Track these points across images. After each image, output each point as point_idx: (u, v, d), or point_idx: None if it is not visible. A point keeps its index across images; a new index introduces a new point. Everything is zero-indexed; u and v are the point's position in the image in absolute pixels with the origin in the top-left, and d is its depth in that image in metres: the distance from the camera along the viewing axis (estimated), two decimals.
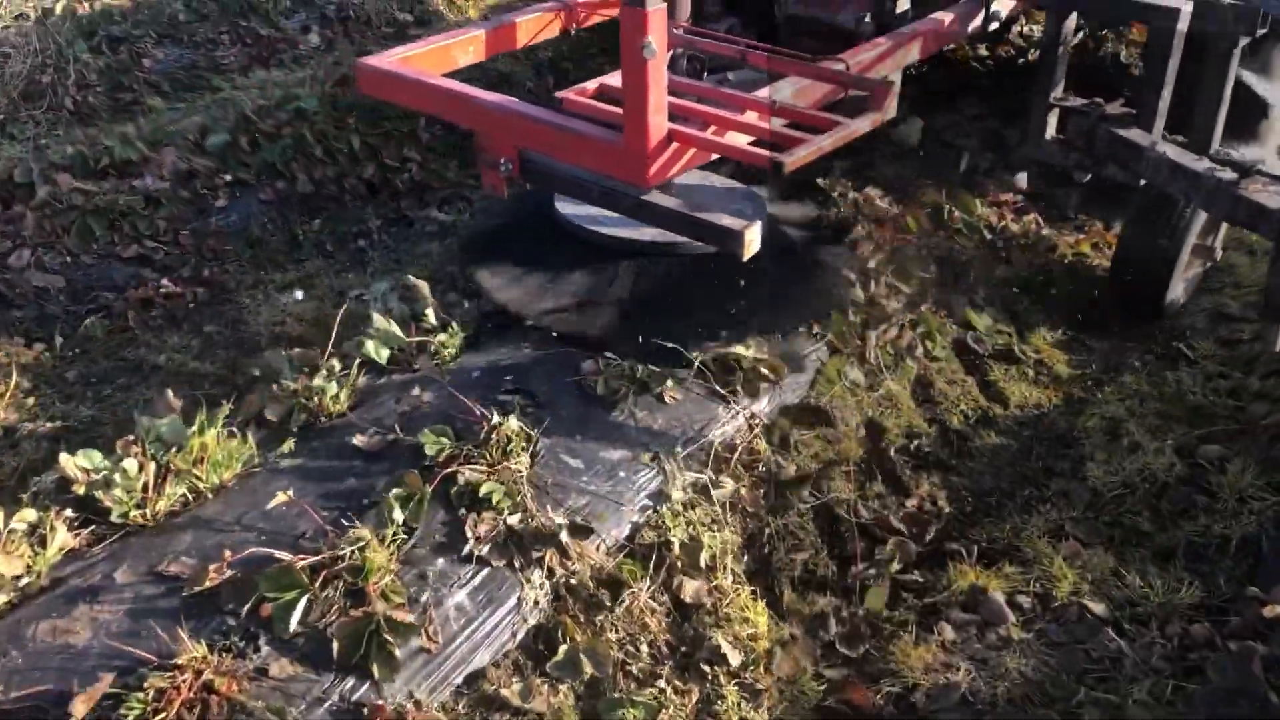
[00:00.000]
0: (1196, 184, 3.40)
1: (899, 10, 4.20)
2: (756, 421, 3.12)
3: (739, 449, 3.03)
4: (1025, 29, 5.22)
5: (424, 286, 3.48)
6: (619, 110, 3.04)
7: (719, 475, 2.94)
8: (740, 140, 3.04)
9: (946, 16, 3.91)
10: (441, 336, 3.29)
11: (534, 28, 3.93)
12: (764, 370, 3.19)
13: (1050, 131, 4.06)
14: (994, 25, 4.16)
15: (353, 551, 2.40)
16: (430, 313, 3.38)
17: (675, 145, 2.95)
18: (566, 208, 3.70)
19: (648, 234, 3.48)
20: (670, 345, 3.14)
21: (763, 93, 3.14)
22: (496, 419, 2.75)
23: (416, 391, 3.00)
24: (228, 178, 4.61)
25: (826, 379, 3.38)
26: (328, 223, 4.61)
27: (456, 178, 4.94)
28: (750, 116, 3.11)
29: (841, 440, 3.25)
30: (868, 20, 4.20)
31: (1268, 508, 3.01)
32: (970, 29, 4.04)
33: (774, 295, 3.49)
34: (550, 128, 3.07)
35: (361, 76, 3.51)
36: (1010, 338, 3.92)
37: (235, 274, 4.25)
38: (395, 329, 3.25)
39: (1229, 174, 3.33)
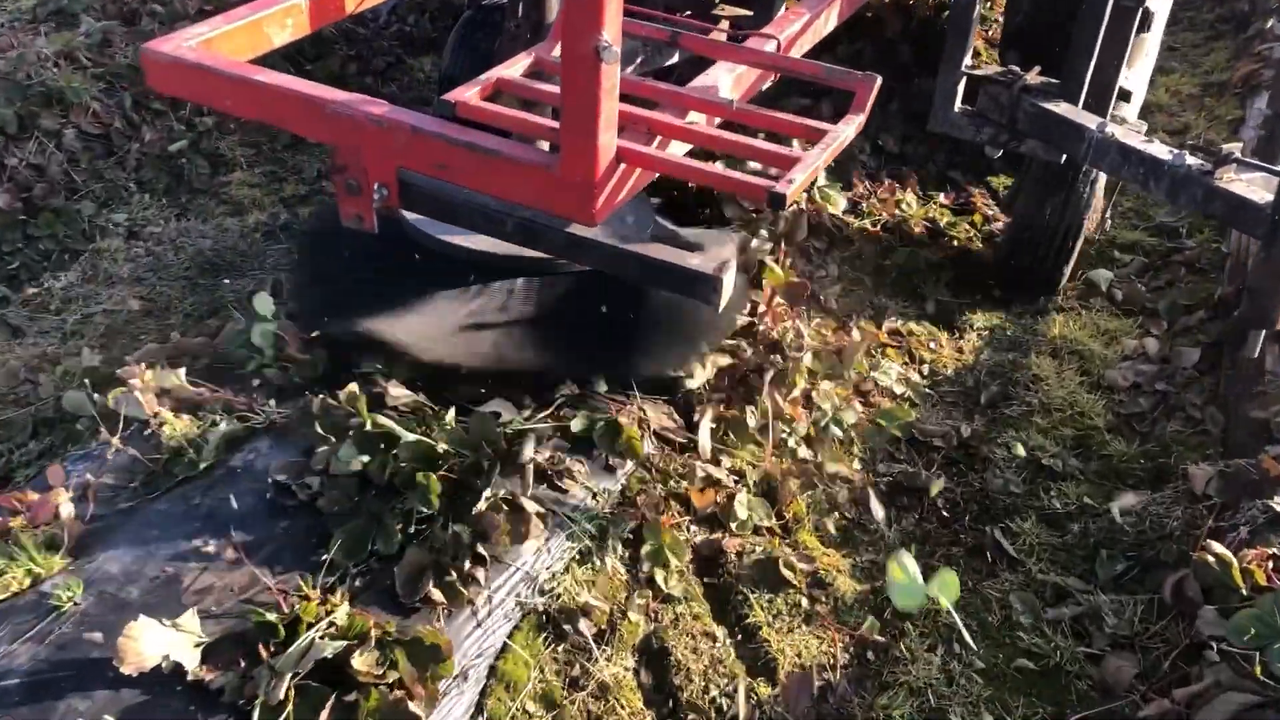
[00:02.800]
0: (1157, 172, 3.05)
1: None
2: None
3: None
4: None
5: None
6: (539, 121, 2.32)
7: None
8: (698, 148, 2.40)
9: None
10: None
11: None
12: None
13: (958, 103, 3.62)
14: None
15: None
16: None
17: (624, 168, 2.27)
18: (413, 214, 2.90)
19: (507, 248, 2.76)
20: None
21: (714, 86, 2.49)
22: None
23: None
24: None
25: None
26: None
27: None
28: (700, 121, 2.47)
29: None
30: None
31: None
32: None
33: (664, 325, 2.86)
34: (450, 145, 2.30)
35: (151, 68, 2.58)
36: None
37: None
38: None
39: (1198, 162, 3.00)
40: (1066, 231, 3.70)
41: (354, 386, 2.46)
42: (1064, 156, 3.44)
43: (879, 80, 2.42)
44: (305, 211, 4.01)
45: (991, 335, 3.67)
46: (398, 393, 2.55)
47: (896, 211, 4.08)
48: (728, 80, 2.63)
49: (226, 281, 3.53)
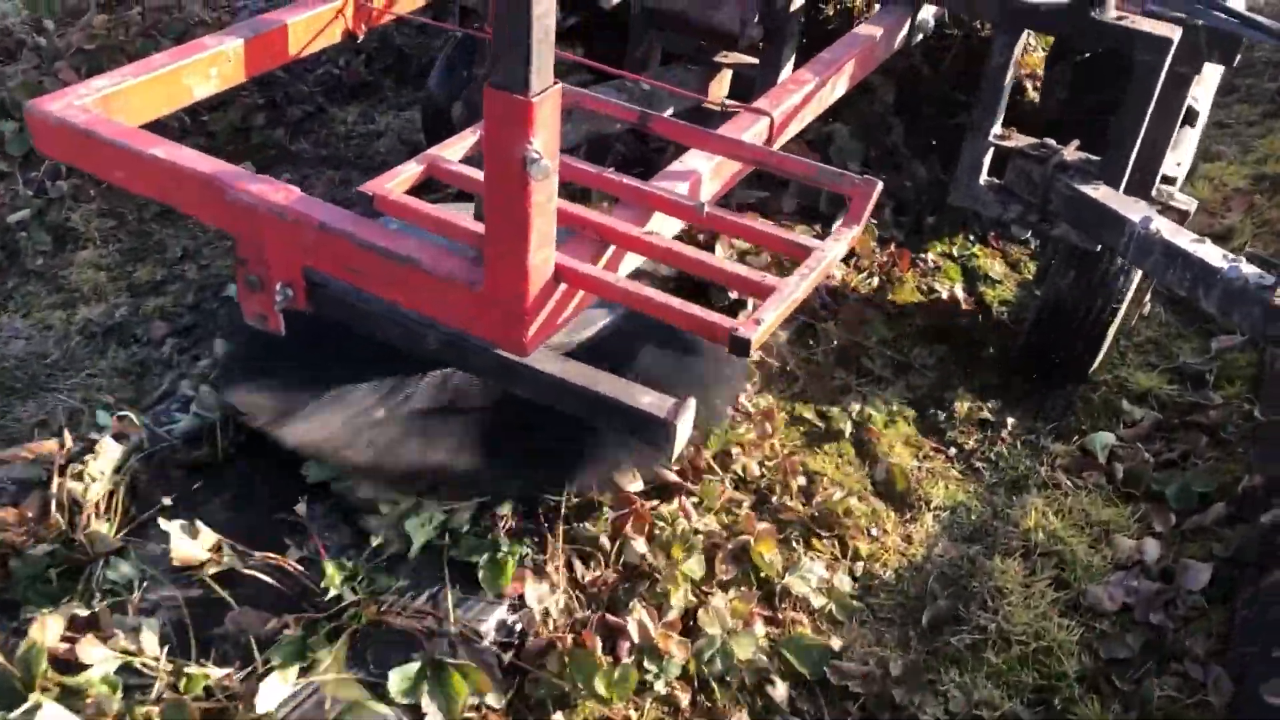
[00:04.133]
0: (1208, 280, 2.64)
1: (793, 8, 3.21)
2: None
3: None
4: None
5: None
6: (468, 226, 1.95)
7: None
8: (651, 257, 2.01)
9: (875, 30, 2.95)
10: None
11: (310, 30, 2.72)
12: None
13: (984, 175, 3.22)
14: (918, 38, 3.25)
15: None
16: None
17: (564, 289, 1.89)
18: None
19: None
20: None
21: (693, 173, 2.11)
22: None
23: None
24: None
25: None
26: None
27: None
28: (663, 227, 2.09)
29: None
30: (756, 22, 3.19)
31: None
32: (896, 45, 3.10)
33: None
34: (361, 248, 1.94)
35: (37, 130, 2.23)
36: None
37: None
38: None
39: (1257, 273, 2.58)
40: (1099, 316, 3.29)
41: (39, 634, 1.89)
42: (1099, 247, 3.04)
43: (879, 186, 2.03)
44: (154, 305, 3.21)
45: (952, 518, 2.83)
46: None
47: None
48: (707, 169, 2.25)
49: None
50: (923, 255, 3.72)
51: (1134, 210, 2.84)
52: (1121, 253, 2.85)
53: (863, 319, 3.36)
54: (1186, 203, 3.10)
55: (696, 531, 2.40)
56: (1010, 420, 3.18)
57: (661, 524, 2.36)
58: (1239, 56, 2.91)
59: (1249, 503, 2.77)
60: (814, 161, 2.10)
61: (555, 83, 1.65)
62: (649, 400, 1.94)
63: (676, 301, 1.81)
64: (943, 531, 2.78)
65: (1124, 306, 3.30)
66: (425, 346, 2.07)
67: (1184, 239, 2.74)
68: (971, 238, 3.86)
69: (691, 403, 1.94)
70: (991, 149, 3.17)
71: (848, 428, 2.98)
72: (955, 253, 3.79)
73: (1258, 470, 2.85)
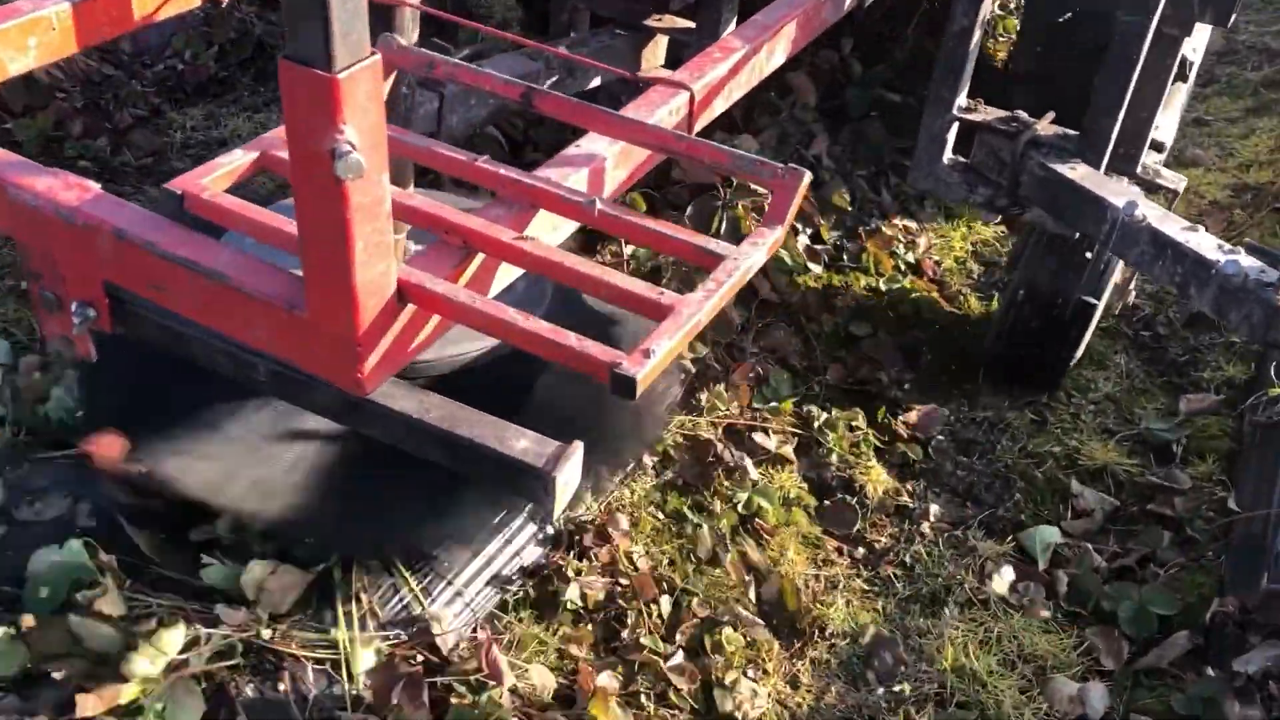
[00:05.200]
0: (1201, 276, 2.29)
1: None
2: None
3: None
4: None
5: None
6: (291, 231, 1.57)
7: None
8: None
9: None
10: None
11: None
12: None
13: (947, 153, 2.86)
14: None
15: None
16: None
17: (412, 311, 1.52)
18: None
19: None
20: None
21: (594, 158, 1.74)
22: None
23: None
24: None
25: None
26: None
27: None
28: (546, 228, 1.71)
29: None
30: None
31: None
32: (846, 5, 2.72)
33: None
34: (164, 261, 1.56)
35: None
36: None
37: None
38: None
39: (1257, 266, 2.23)
40: (1076, 313, 2.95)
41: None
42: (1078, 235, 2.69)
43: (807, 178, 1.66)
44: None
45: (851, 649, 2.31)
46: None
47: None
48: (610, 154, 1.87)
49: None
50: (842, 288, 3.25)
51: (1117, 193, 2.49)
52: (1103, 242, 2.51)
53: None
54: (1175, 180, 2.75)
55: (514, 690, 1.93)
56: (934, 510, 2.66)
57: (462, 693, 1.90)
58: (1233, 17, 2.56)
59: (1218, 636, 2.26)
60: (730, 149, 1.72)
61: (372, 53, 1.27)
62: (524, 446, 1.57)
63: (544, 328, 1.44)
64: (839, 668, 2.26)
65: (1104, 298, 2.96)
66: (255, 378, 1.70)
67: (1174, 226, 2.39)
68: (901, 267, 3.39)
69: (578, 450, 1.58)
70: (955, 124, 2.82)
71: (731, 523, 2.43)
72: (883, 286, 3.29)
73: (1230, 589, 2.33)
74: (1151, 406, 3.06)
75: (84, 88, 3.53)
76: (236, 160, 1.72)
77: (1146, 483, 2.75)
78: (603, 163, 1.84)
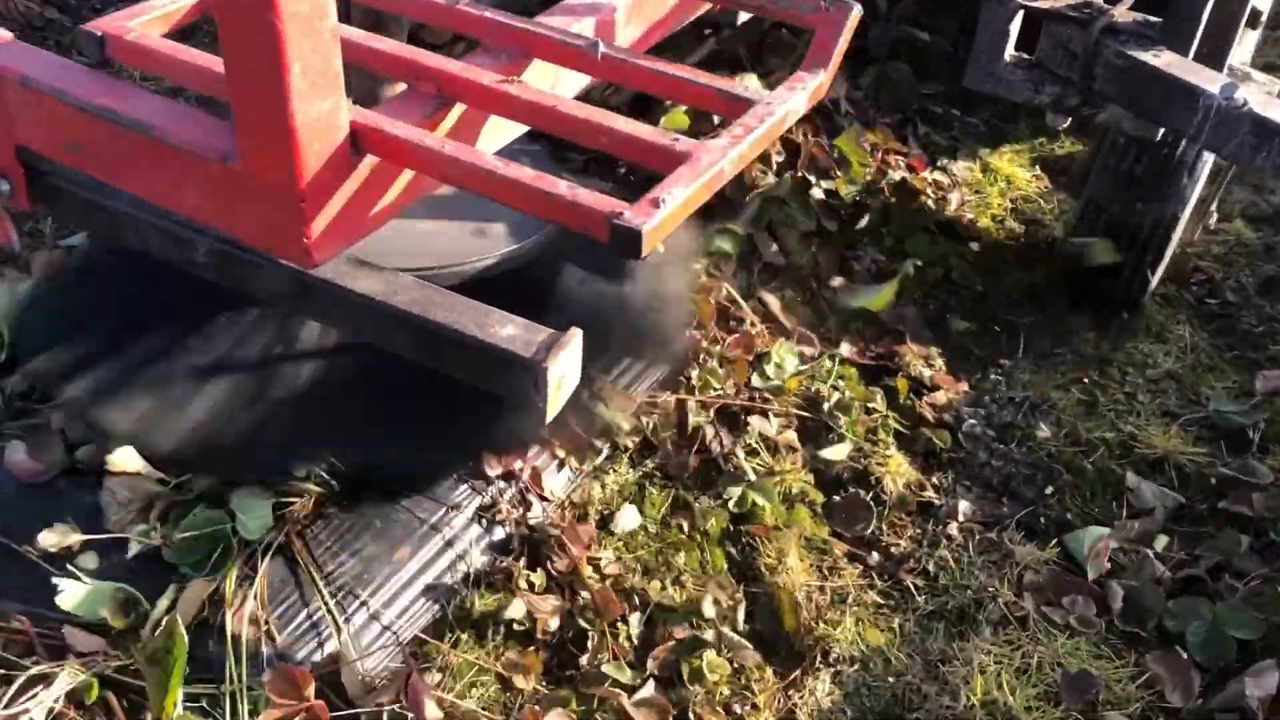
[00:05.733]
0: None
1: None
2: None
3: None
4: None
5: None
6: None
7: None
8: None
9: None
10: None
11: None
12: None
13: (1009, 48, 2.55)
14: None
15: None
16: None
17: (370, 164, 1.24)
18: None
19: None
20: None
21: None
22: None
23: None
24: None
25: None
26: None
27: None
28: (543, 75, 1.43)
29: None
30: None
31: None
32: None
33: None
34: (80, 112, 1.29)
35: None
36: None
37: None
38: None
39: None
40: (1154, 230, 2.63)
41: None
42: (1163, 132, 2.38)
43: (856, 11, 1.36)
44: None
45: (860, 678, 1.90)
46: None
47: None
48: (622, 4, 1.58)
49: None
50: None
51: (1210, 80, 2.16)
52: (1194, 136, 2.19)
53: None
54: (1269, 83, 2.43)
55: None
56: (963, 507, 2.25)
57: None
58: None
59: None
60: None
61: None
62: (509, 333, 1.29)
63: (529, 175, 1.15)
64: (844, 701, 1.86)
65: (1185, 216, 2.65)
66: (196, 259, 1.43)
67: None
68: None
69: (575, 338, 1.30)
70: (1019, 12, 2.51)
71: (720, 525, 2.07)
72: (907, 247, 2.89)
73: None
74: (1221, 385, 2.65)
75: (23, 32, 3.14)
76: (174, 3, 1.45)
77: (1217, 475, 2.31)
78: (611, 13, 1.55)
